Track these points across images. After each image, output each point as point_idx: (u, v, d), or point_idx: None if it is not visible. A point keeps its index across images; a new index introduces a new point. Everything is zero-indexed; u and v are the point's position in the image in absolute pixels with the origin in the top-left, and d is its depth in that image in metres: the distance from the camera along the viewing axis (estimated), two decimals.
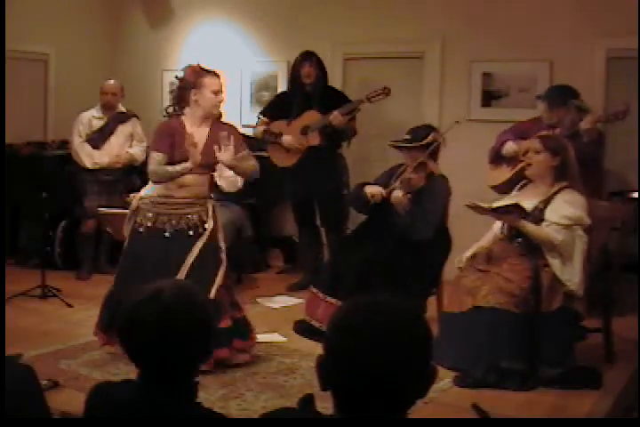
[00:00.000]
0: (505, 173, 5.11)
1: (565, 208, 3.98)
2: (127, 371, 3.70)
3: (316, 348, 3.61)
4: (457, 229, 4.79)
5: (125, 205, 4.43)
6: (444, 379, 3.83)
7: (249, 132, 6.10)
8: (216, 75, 4.08)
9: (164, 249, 4.01)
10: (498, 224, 4.28)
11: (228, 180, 5.55)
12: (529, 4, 5.87)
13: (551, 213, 4.00)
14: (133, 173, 6.18)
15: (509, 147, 5.07)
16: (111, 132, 6.15)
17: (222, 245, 4.13)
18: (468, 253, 4.26)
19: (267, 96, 6.90)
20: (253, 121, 6.19)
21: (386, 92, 5.55)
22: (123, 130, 6.20)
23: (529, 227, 3.99)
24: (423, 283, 4.58)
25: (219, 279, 4.00)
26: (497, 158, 5.20)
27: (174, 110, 4.13)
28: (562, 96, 5.03)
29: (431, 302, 4.66)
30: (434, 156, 4.71)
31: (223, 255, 4.10)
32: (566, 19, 5.73)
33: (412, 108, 6.34)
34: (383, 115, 6.30)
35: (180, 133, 4.02)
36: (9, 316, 4.75)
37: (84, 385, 3.62)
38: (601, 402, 3.63)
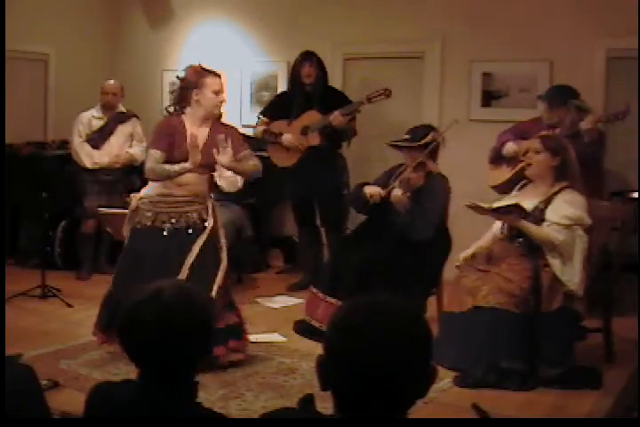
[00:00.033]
0: (505, 173, 5.11)
1: (566, 208, 3.98)
2: (127, 371, 3.70)
3: (316, 348, 3.61)
4: (457, 229, 4.79)
5: (125, 205, 4.43)
6: (444, 379, 3.83)
7: (249, 132, 6.10)
8: (217, 75, 4.09)
9: (163, 248, 4.01)
10: (498, 224, 4.27)
11: (227, 180, 5.55)
12: (529, 3, 5.88)
13: (552, 214, 3.99)
14: (133, 173, 6.18)
15: (510, 147, 5.07)
16: (111, 132, 6.16)
17: (223, 243, 4.13)
18: (467, 253, 4.26)
19: (267, 96, 6.90)
20: (253, 121, 6.19)
21: (386, 93, 5.54)
22: (122, 130, 6.20)
23: (529, 227, 3.99)
24: (423, 283, 4.58)
25: (219, 279, 4.01)
26: (497, 158, 5.20)
27: (175, 110, 4.14)
28: (562, 96, 5.03)
29: (431, 302, 4.66)
30: (433, 155, 4.71)
31: (224, 255, 4.10)
32: (566, 19, 5.73)
33: (412, 108, 6.34)
34: (383, 115, 6.30)
35: (180, 132, 4.02)
36: (9, 316, 4.75)
37: (83, 385, 3.61)
38: (601, 402, 3.63)
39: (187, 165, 3.93)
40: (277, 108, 5.91)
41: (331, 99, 5.72)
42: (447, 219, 4.76)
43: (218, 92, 4.04)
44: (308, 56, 5.75)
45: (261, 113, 6.03)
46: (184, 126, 4.05)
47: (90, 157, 6.08)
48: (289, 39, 6.73)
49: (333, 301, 4.49)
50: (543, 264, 3.97)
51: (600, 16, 5.59)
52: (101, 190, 6.09)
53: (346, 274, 4.54)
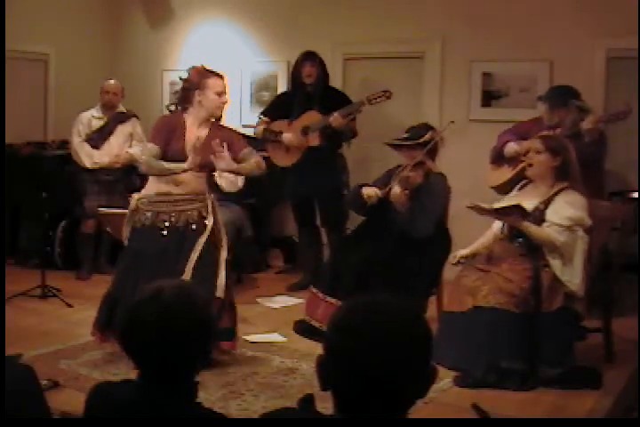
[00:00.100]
0: (506, 174, 5.11)
1: (566, 209, 3.98)
2: (127, 371, 3.70)
3: (316, 348, 3.61)
4: (457, 229, 4.79)
5: (125, 205, 4.44)
6: (444, 379, 3.83)
7: (249, 132, 6.10)
8: (220, 76, 4.11)
9: (162, 247, 4.02)
10: (498, 224, 4.28)
11: (228, 180, 5.55)
12: (529, 3, 5.88)
13: (552, 214, 3.99)
14: (133, 173, 6.18)
15: (511, 147, 5.07)
16: (111, 132, 6.16)
17: (224, 243, 4.14)
18: (465, 251, 4.27)
19: (267, 96, 6.90)
20: (253, 121, 6.19)
21: (387, 95, 5.54)
22: (122, 130, 6.20)
23: (530, 228, 3.98)
24: (423, 283, 4.58)
25: (221, 279, 4.01)
26: (498, 159, 5.20)
27: (176, 109, 4.15)
28: (563, 97, 5.02)
29: (431, 301, 4.66)
30: (432, 155, 4.71)
31: (224, 253, 4.11)
32: (566, 19, 5.73)
33: (412, 108, 6.34)
34: (383, 115, 6.30)
35: (180, 130, 4.05)
36: (9, 316, 4.75)
37: (84, 385, 3.61)
38: (601, 402, 3.63)
39: (184, 165, 3.95)
40: (278, 109, 5.91)
41: (331, 99, 5.72)
42: (447, 219, 4.76)
43: (220, 94, 4.06)
44: (310, 56, 5.75)
45: (262, 113, 6.03)
46: (184, 125, 4.07)
47: (90, 157, 6.08)
48: (289, 39, 6.73)
49: (333, 301, 4.49)
50: (543, 264, 3.96)
51: (600, 16, 5.60)
52: (101, 190, 6.09)
53: (346, 274, 4.54)
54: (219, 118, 4.21)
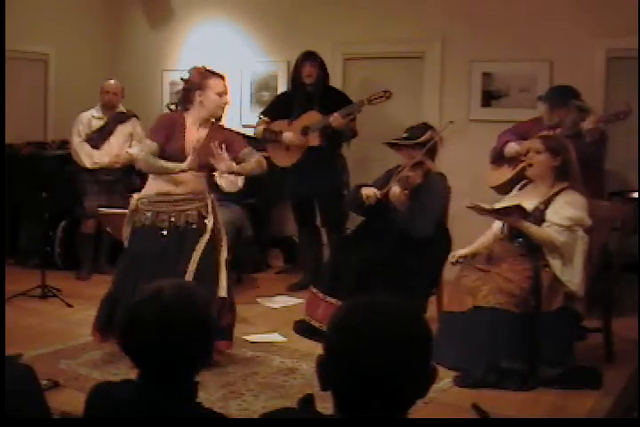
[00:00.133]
0: (506, 174, 5.11)
1: (566, 209, 3.97)
2: (127, 371, 3.71)
3: (316, 348, 3.61)
4: (457, 229, 4.79)
5: (125, 205, 4.44)
6: (444, 379, 3.83)
7: (249, 132, 6.10)
8: (221, 77, 4.13)
9: (162, 248, 4.02)
10: (498, 224, 4.28)
11: (228, 180, 5.55)
12: (529, 3, 5.87)
13: (552, 214, 3.99)
14: (133, 173, 6.18)
15: (511, 147, 5.07)
16: (111, 132, 6.16)
17: (224, 242, 4.14)
18: (464, 251, 4.26)
19: (267, 96, 6.90)
20: (253, 121, 6.19)
21: (387, 95, 5.53)
22: (122, 130, 6.20)
23: (531, 228, 3.98)
24: (423, 283, 4.58)
25: (224, 278, 4.01)
26: (498, 159, 5.20)
27: (176, 108, 4.16)
28: (563, 97, 5.02)
29: (431, 301, 4.66)
30: (431, 154, 4.71)
31: (224, 253, 4.11)
32: (566, 19, 5.73)
33: (412, 108, 6.34)
34: (383, 115, 6.30)
35: (180, 128, 4.06)
36: (9, 316, 4.75)
37: (84, 385, 3.61)
38: (601, 402, 3.63)
39: (182, 165, 3.96)
40: (278, 109, 5.91)
41: (331, 99, 5.72)
42: (447, 219, 4.76)
43: (221, 94, 4.07)
44: (310, 56, 5.75)
45: (262, 113, 6.03)
46: (185, 124, 4.08)
47: (90, 157, 6.08)
48: (289, 39, 6.73)
49: (333, 301, 4.49)
50: (543, 264, 3.96)
51: (600, 16, 5.59)
52: (101, 190, 6.09)
53: (346, 274, 4.54)
54: (219, 119, 4.22)
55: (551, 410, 3.61)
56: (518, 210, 3.99)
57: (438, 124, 5.36)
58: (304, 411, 1.56)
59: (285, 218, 6.78)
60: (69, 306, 5.24)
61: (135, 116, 6.31)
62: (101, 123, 6.16)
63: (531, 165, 4.18)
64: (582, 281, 3.95)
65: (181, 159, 3.98)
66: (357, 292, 3.64)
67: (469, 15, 6.06)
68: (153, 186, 4.12)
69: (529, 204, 4.04)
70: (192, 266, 3.94)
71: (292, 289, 5.84)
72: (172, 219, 4.05)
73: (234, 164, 4.02)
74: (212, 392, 3.68)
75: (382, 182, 4.77)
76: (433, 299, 4.72)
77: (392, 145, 4.78)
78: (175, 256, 4.00)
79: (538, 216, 4.02)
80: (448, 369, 3.88)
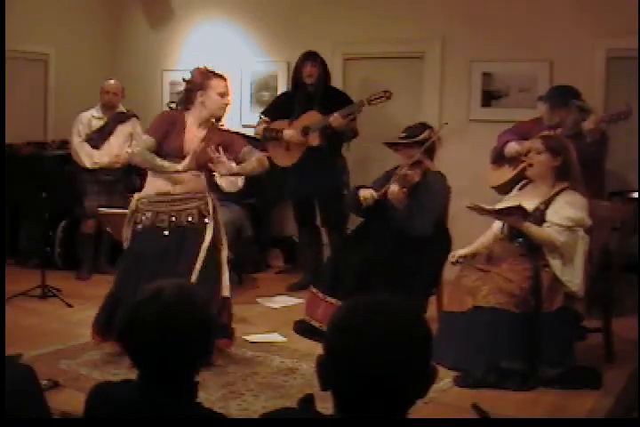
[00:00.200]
0: (506, 174, 5.11)
1: (567, 209, 3.97)
2: (127, 371, 3.70)
3: (316, 348, 3.61)
4: (457, 229, 4.79)
5: (125, 205, 4.44)
6: (444, 379, 3.83)
7: (249, 132, 6.10)
8: (223, 77, 4.14)
9: (163, 248, 4.02)
10: (498, 224, 4.28)
11: (228, 180, 5.55)
12: (529, 3, 5.87)
13: (553, 215, 3.99)
14: (133, 173, 6.18)
15: (512, 147, 5.07)
16: (111, 132, 6.16)
17: (224, 242, 4.14)
18: (464, 251, 4.26)
19: (267, 96, 6.90)
20: (253, 121, 6.19)
21: (387, 95, 5.53)
22: (122, 130, 6.20)
23: (531, 228, 3.98)
24: (423, 283, 4.58)
25: (226, 277, 4.01)
26: (499, 159, 5.20)
27: (177, 108, 4.16)
28: (563, 97, 5.02)
29: (431, 301, 4.66)
30: (430, 154, 4.71)
31: (225, 253, 4.11)
32: (566, 19, 5.73)
33: (412, 108, 6.34)
34: (383, 115, 6.30)
35: (179, 126, 4.06)
36: (9, 316, 4.75)
37: (84, 385, 3.61)
38: (601, 402, 3.63)
39: (178, 166, 3.97)
40: (278, 109, 5.91)
41: (332, 99, 5.72)
42: (447, 218, 4.76)
43: (223, 95, 4.08)
44: (311, 56, 5.75)
45: (262, 113, 6.03)
46: (185, 123, 4.08)
47: (90, 157, 6.08)
48: (289, 39, 6.73)
49: (333, 301, 4.49)
50: (543, 264, 3.96)
51: (600, 16, 5.59)
52: (101, 190, 6.09)
53: (346, 274, 4.54)
54: (219, 119, 4.22)
55: (551, 410, 3.61)
56: (519, 210, 3.99)
57: (438, 124, 5.36)
58: (304, 411, 1.56)
59: (285, 218, 6.78)
60: (69, 306, 5.23)
61: (135, 116, 6.30)
62: (101, 123, 6.16)
63: (531, 165, 4.17)
64: (582, 281, 3.95)
65: (179, 157, 3.99)
66: (357, 292, 3.63)
67: (469, 15, 6.06)
68: (152, 186, 4.12)
69: (529, 204, 4.04)
70: (198, 264, 3.95)
71: (292, 289, 5.84)
72: (173, 218, 4.05)
73: (233, 165, 4.02)
74: (212, 392, 3.68)
75: (382, 183, 4.76)
76: (433, 299, 4.72)
77: (390, 145, 4.79)
78: (176, 256, 4.00)
79: (538, 216, 4.02)
80: (448, 369, 3.87)
